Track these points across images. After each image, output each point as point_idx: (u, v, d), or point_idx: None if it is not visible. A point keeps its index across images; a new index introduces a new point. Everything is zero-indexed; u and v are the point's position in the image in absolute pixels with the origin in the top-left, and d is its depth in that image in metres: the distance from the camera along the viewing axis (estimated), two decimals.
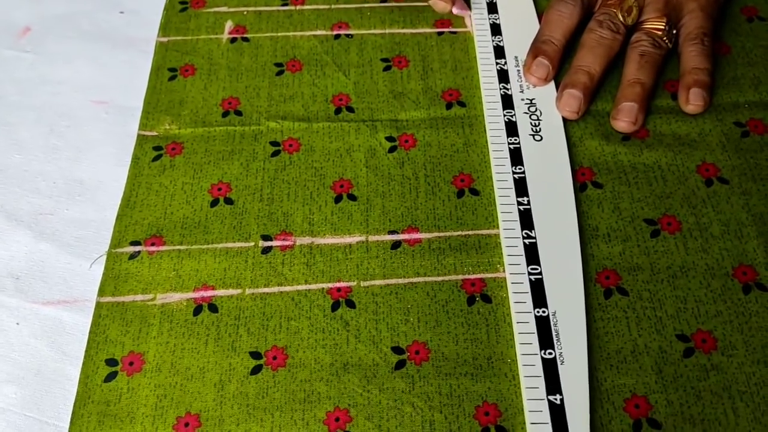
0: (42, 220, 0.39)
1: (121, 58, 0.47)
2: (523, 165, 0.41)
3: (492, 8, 0.48)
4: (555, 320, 0.35)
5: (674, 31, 0.44)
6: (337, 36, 0.47)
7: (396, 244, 0.38)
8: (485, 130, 0.42)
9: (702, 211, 0.39)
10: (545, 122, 0.42)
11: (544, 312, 0.35)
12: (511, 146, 0.41)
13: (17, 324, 0.36)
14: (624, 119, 0.42)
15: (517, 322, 0.35)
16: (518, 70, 0.45)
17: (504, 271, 0.37)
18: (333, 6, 0.49)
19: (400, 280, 0.37)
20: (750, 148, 0.41)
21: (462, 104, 0.44)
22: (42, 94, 0.45)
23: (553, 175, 0.40)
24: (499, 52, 0.46)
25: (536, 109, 0.43)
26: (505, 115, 0.43)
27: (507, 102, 0.43)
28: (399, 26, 0.48)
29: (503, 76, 0.45)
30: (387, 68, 0.46)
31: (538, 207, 0.39)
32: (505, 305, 0.36)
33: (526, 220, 0.38)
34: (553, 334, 0.35)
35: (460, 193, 0.40)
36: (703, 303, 0.36)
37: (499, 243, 0.38)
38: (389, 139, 0.42)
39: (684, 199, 0.39)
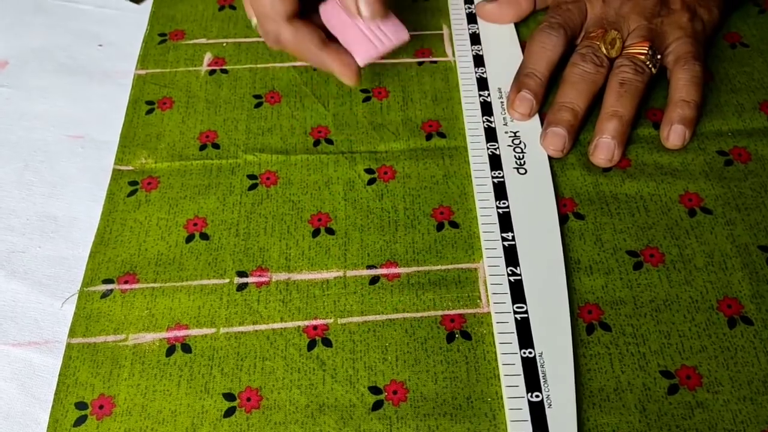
0: (14, 258, 0.39)
1: (99, 92, 0.46)
2: (507, 199, 0.40)
3: (475, 39, 0.48)
4: (542, 361, 0.34)
5: (658, 56, 0.43)
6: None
7: (374, 279, 0.37)
8: (466, 162, 0.42)
9: (685, 242, 0.38)
10: (529, 155, 0.42)
11: (530, 353, 0.34)
12: (495, 180, 0.41)
13: None
14: (601, 156, 0.41)
15: (503, 364, 0.34)
16: (501, 102, 0.44)
17: (484, 306, 0.36)
18: None
19: (378, 317, 0.36)
20: (734, 177, 0.41)
21: (442, 135, 0.43)
22: (18, 129, 0.44)
23: (538, 210, 0.39)
24: (482, 83, 0.46)
25: (520, 142, 0.42)
26: (488, 148, 0.42)
27: (490, 135, 0.43)
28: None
29: (486, 108, 0.44)
30: (366, 99, 0.45)
31: (524, 243, 0.38)
32: (485, 342, 0.35)
33: (511, 256, 0.38)
34: (540, 376, 0.34)
35: (440, 226, 0.39)
36: (687, 338, 0.35)
37: (479, 277, 0.37)
38: (368, 171, 0.42)
39: (667, 230, 0.39)
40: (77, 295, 0.37)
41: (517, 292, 0.36)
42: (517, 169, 0.41)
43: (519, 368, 0.34)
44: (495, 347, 0.35)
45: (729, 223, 0.39)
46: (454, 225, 0.39)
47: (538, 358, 0.34)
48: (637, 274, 0.37)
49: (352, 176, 0.42)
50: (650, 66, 0.43)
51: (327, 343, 0.35)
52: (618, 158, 0.41)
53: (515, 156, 0.42)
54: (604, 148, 0.41)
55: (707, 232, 0.39)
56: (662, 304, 0.36)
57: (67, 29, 0.50)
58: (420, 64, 0.47)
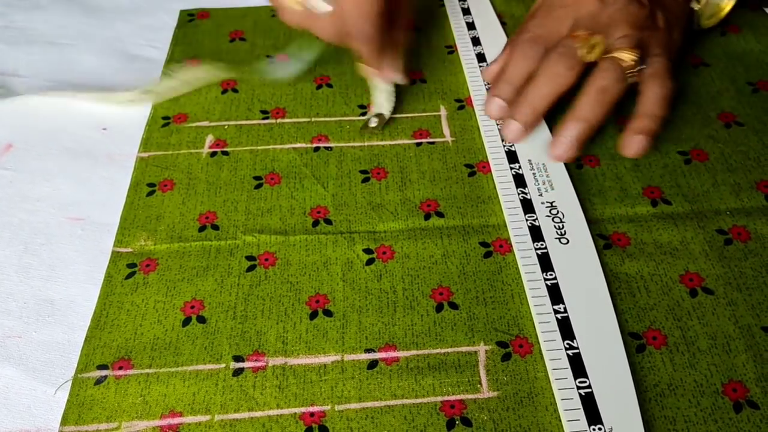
0: (9, 343, 0.38)
1: (102, 174, 0.47)
2: (554, 270, 0.40)
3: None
4: None
5: (642, 66, 0.44)
6: (317, 148, 0.48)
7: (373, 364, 0.37)
8: (464, 241, 0.42)
9: (688, 324, 0.38)
10: (569, 224, 0.42)
11: (600, 428, 0.33)
12: (539, 252, 0.41)
13: None
14: (558, 153, 0.43)
15: None
16: (533, 174, 0.45)
17: (485, 391, 0.35)
18: (313, 119, 0.49)
19: (377, 403, 0.35)
20: (734, 257, 0.40)
21: (440, 215, 0.43)
22: (19, 212, 0.45)
23: (586, 279, 0.39)
24: (512, 156, 0.46)
25: (558, 212, 0.42)
26: (527, 220, 0.42)
27: (527, 206, 0.43)
28: (377, 138, 0.48)
29: (519, 180, 0.45)
30: (365, 180, 0.46)
31: (576, 314, 0.38)
32: (485, 429, 0.34)
33: (565, 329, 0.37)
34: None
35: (439, 307, 0.39)
36: (693, 423, 0.34)
37: (479, 361, 0.37)
38: (367, 251, 0.42)
39: (669, 311, 0.38)
40: (71, 381, 0.36)
41: (577, 367, 0.35)
42: (559, 239, 0.41)
43: None
44: None
45: (731, 304, 0.38)
46: (454, 306, 0.39)
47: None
48: (640, 357, 0.36)
49: (350, 256, 0.42)
50: (633, 74, 0.43)
51: (324, 430, 0.34)
52: (573, 158, 0.43)
53: (555, 226, 0.42)
54: (564, 145, 0.43)
55: (709, 313, 0.38)
56: (666, 388, 0.35)
57: (73, 113, 0.51)
58: (418, 144, 0.48)
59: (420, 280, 0.40)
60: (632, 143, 0.43)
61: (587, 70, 0.44)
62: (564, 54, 0.43)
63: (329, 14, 0.43)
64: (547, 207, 0.43)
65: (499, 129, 0.47)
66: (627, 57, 0.43)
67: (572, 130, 0.43)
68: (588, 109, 0.43)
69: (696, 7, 0.50)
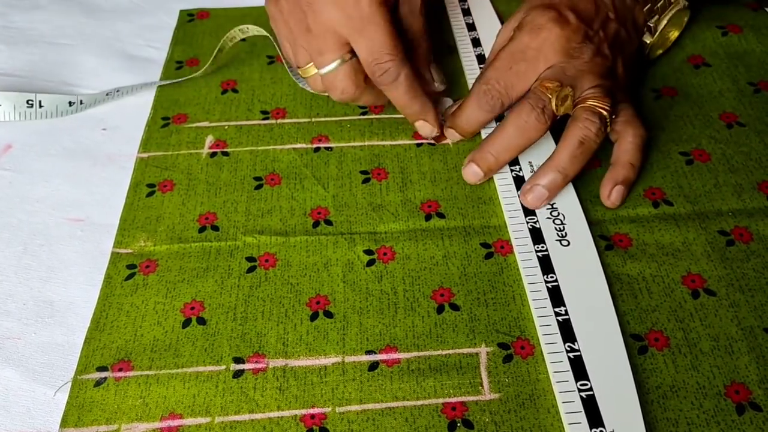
0: (9, 344, 0.38)
1: (102, 175, 0.47)
2: (554, 273, 0.40)
3: (500, 116, 0.48)
4: None
5: (614, 116, 0.44)
6: (317, 149, 0.47)
7: (373, 365, 0.37)
8: (465, 242, 0.42)
9: (690, 326, 0.37)
10: (570, 226, 0.42)
11: (602, 431, 0.33)
12: (540, 254, 0.40)
13: None
14: (528, 199, 0.43)
15: None
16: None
17: (486, 393, 0.35)
18: (313, 119, 0.49)
19: (378, 405, 0.35)
20: (736, 258, 0.40)
21: (441, 215, 0.43)
22: (18, 212, 0.44)
23: (587, 282, 0.39)
24: (513, 160, 0.45)
25: (559, 213, 0.42)
26: (528, 222, 0.42)
27: (528, 209, 0.43)
28: (378, 138, 0.48)
29: (520, 182, 0.44)
30: (366, 180, 0.46)
31: (578, 317, 0.37)
32: (487, 431, 0.34)
33: (566, 331, 0.37)
34: None
35: (440, 309, 0.39)
36: (695, 425, 0.34)
37: (480, 363, 0.36)
38: (367, 252, 0.42)
39: (671, 312, 0.38)
40: (70, 383, 0.36)
41: (579, 369, 0.35)
42: (560, 241, 0.41)
43: None
44: None
45: (733, 305, 0.38)
46: (455, 307, 0.39)
47: None
48: (642, 359, 0.36)
49: (351, 257, 0.41)
50: (609, 124, 0.43)
51: None
52: (544, 206, 0.43)
53: (556, 228, 0.42)
54: (537, 195, 0.42)
55: (712, 315, 0.38)
56: (669, 390, 0.35)
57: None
58: (419, 145, 0.47)
59: (421, 282, 0.40)
60: (612, 193, 0.43)
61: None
62: (535, 106, 0.42)
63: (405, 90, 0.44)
64: (547, 209, 0.43)
65: None
66: (602, 105, 0.42)
67: (547, 179, 0.42)
68: (567, 160, 0.42)
69: (648, 40, 0.50)
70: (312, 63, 0.44)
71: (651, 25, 0.50)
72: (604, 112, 0.42)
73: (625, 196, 0.43)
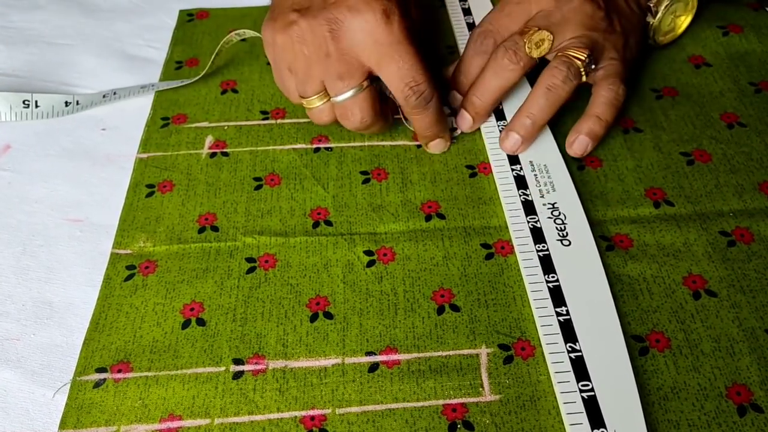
0: (8, 345, 0.38)
1: (101, 175, 0.47)
2: (555, 273, 0.39)
3: (500, 115, 0.48)
4: None
5: (593, 66, 0.45)
6: (317, 149, 0.47)
7: (373, 367, 0.37)
8: (465, 242, 0.42)
9: (691, 327, 0.37)
10: (570, 226, 0.41)
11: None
12: (541, 254, 0.40)
13: None
14: (506, 146, 0.45)
15: None
16: (535, 175, 0.44)
17: (486, 395, 0.35)
18: None
19: (378, 407, 0.35)
20: (737, 258, 0.40)
21: (441, 216, 0.43)
22: (17, 213, 0.44)
23: (588, 281, 0.39)
24: (513, 158, 0.46)
25: (560, 213, 0.42)
26: (528, 222, 0.42)
27: (529, 208, 0.43)
28: (378, 139, 0.48)
29: (521, 181, 0.44)
30: (366, 181, 0.45)
31: (579, 317, 0.37)
32: None
33: (567, 331, 0.37)
34: None
35: (440, 310, 0.39)
36: (696, 427, 0.34)
37: (481, 364, 0.36)
38: (367, 252, 0.41)
39: (672, 313, 0.38)
40: (69, 384, 0.36)
41: (580, 370, 0.35)
42: (561, 241, 0.41)
43: None
44: None
45: (734, 306, 0.38)
46: (455, 308, 0.39)
47: None
48: (643, 360, 0.36)
49: (351, 258, 0.41)
50: (583, 73, 0.44)
51: None
52: (522, 151, 0.45)
53: (557, 228, 0.41)
54: (512, 141, 0.45)
55: (713, 316, 0.38)
56: (670, 391, 0.35)
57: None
58: (419, 146, 0.47)
59: (421, 282, 0.40)
60: (575, 143, 0.45)
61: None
62: (509, 48, 0.44)
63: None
64: (548, 209, 0.42)
65: (500, 130, 0.47)
66: (576, 56, 0.44)
67: (518, 124, 0.45)
68: (535, 106, 0.44)
69: (651, 20, 0.51)
70: (319, 94, 0.43)
71: (651, 5, 0.50)
72: (577, 62, 0.44)
73: (589, 148, 0.45)
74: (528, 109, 0.44)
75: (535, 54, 0.44)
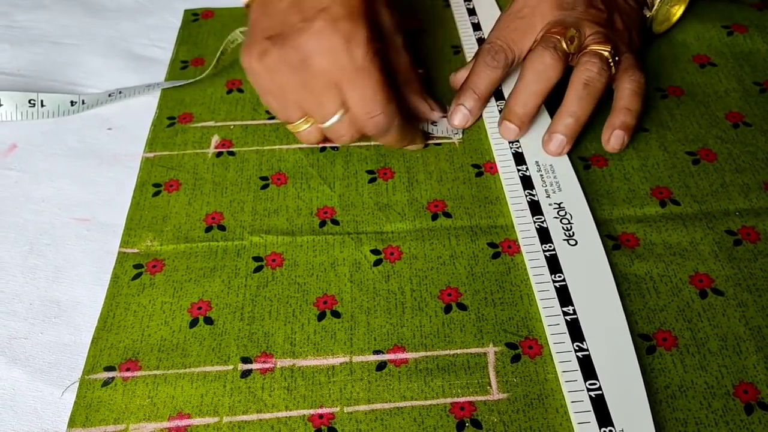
0: (16, 344, 0.38)
1: (107, 175, 0.47)
2: (562, 272, 0.39)
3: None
4: None
5: (617, 58, 0.45)
6: (323, 148, 0.47)
7: (381, 365, 0.37)
8: (472, 241, 0.42)
9: (698, 326, 0.37)
10: (577, 225, 0.42)
11: (611, 431, 0.33)
12: (547, 254, 0.40)
13: None
14: (552, 149, 0.45)
15: None
16: (541, 175, 0.45)
17: (494, 393, 0.35)
18: None
19: (386, 405, 0.35)
20: (743, 257, 0.40)
21: (448, 215, 0.43)
22: (24, 212, 0.44)
23: (594, 281, 0.39)
24: (519, 158, 0.46)
25: (566, 213, 0.42)
26: (535, 222, 0.42)
27: (535, 208, 0.43)
28: None
29: (527, 182, 0.44)
30: (372, 180, 0.45)
31: (586, 316, 0.37)
32: (495, 431, 0.34)
33: (574, 331, 0.37)
34: None
35: (448, 308, 0.39)
36: (704, 425, 0.34)
37: (488, 362, 0.36)
38: (374, 252, 0.42)
39: (679, 312, 0.38)
40: (78, 383, 0.36)
41: (587, 369, 0.35)
42: (567, 240, 0.41)
43: None
44: None
45: (741, 305, 0.38)
46: (462, 307, 0.39)
47: None
48: (650, 359, 0.36)
49: (358, 257, 0.41)
50: (612, 66, 0.45)
51: None
52: (567, 151, 0.45)
53: (563, 228, 0.42)
54: (557, 142, 0.45)
55: (719, 315, 0.38)
56: (677, 390, 0.35)
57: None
58: (425, 145, 0.47)
59: (428, 281, 0.40)
60: (611, 138, 0.45)
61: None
62: (547, 47, 0.44)
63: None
64: (555, 208, 0.43)
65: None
66: (603, 49, 0.45)
67: (562, 125, 0.45)
68: (575, 103, 0.44)
69: (648, 14, 0.52)
70: (304, 118, 0.43)
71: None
72: (606, 53, 0.44)
73: (625, 141, 0.45)
74: (568, 108, 0.44)
75: (572, 49, 0.45)
